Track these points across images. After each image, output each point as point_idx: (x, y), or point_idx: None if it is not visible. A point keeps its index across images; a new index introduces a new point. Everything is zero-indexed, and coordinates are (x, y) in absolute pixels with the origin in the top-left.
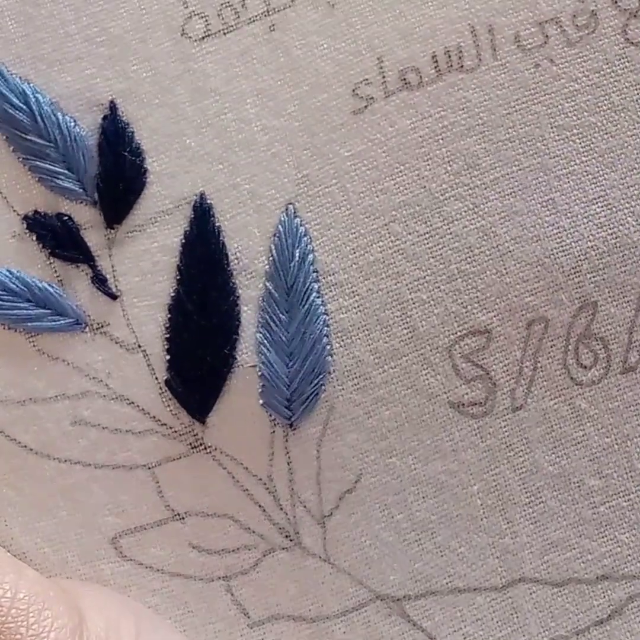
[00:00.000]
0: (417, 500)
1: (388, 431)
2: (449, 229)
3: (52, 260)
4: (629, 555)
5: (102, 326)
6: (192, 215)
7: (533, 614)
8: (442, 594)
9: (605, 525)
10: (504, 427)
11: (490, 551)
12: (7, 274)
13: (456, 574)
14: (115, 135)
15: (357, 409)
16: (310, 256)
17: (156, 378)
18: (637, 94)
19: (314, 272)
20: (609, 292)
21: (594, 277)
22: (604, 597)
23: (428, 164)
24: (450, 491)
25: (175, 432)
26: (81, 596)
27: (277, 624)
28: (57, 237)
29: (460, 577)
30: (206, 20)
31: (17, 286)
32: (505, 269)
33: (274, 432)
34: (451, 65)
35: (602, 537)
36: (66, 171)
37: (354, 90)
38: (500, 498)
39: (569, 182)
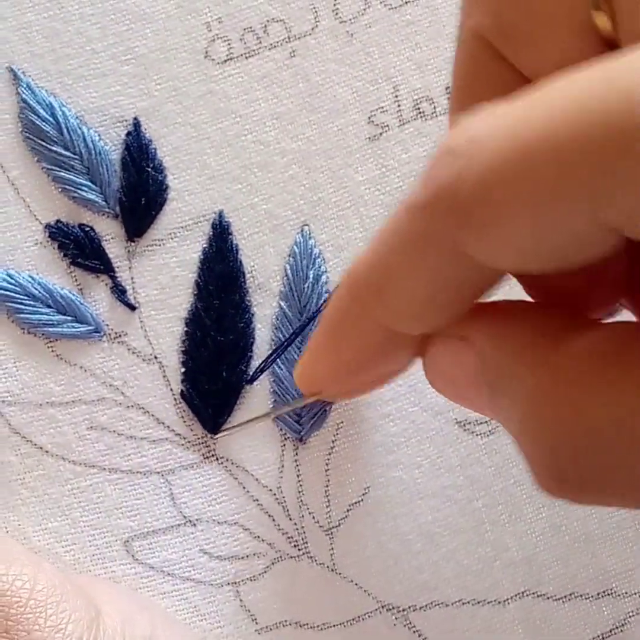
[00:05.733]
0: (423, 512)
1: (395, 445)
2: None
3: (72, 269)
4: (631, 571)
5: (120, 336)
6: (211, 232)
7: (536, 627)
8: (447, 605)
9: (608, 542)
10: (509, 445)
11: (495, 564)
12: (29, 279)
13: (461, 585)
14: (139, 151)
15: (365, 424)
16: (324, 277)
17: (171, 389)
18: None
19: (326, 292)
20: None
21: None
22: (606, 612)
23: None
24: (456, 504)
25: (189, 442)
26: (98, 591)
27: (284, 630)
28: (79, 247)
29: (465, 589)
30: (229, 44)
31: (39, 291)
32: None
33: (284, 445)
34: None
35: (605, 554)
36: (89, 183)
37: (369, 118)
38: (505, 513)
39: None
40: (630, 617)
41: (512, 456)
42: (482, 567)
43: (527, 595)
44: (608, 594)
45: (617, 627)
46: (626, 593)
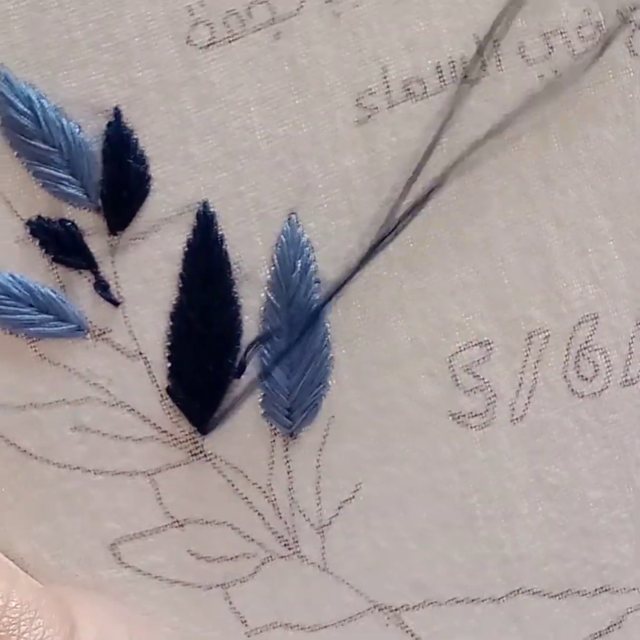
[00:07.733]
0: (416, 509)
1: (388, 440)
2: (451, 239)
3: (54, 266)
4: (629, 567)
5: (103, 333)
6: (196, 223)
7: (532, 625)
8: (441, 604)
9: (605, 537)
10: (504, 438)
11: (489, 561)
12: (10, 278)
13: (455, 584)
14: (120, 142)
15: (357, 418)
16: (312, 266)
17: (157, 385)
18: None
19: (315, 282)
20: (610, 304)
21: (595, 289)
22: (603, 609)
23: (431, 174)
24: (449, 501)
25: (176, 439)
26: (74, 604)
27: (275, 632)
28: (60, 243)
29: (458, 587)
30: (211, 28)
31: (20, 291)
32: (506, 280)
33: (274, 441)
34: (455, 76)
35: (602, 549)
36: (70, 177)
37: (358, 100)
38: (500, 508)
39: (571, 194)
40: (628, 613)
41: (506, 450)
42: (476, 564)
43: (522, 592)
44: (606, 590)
45: (614, 624)
46: (624, 589)
